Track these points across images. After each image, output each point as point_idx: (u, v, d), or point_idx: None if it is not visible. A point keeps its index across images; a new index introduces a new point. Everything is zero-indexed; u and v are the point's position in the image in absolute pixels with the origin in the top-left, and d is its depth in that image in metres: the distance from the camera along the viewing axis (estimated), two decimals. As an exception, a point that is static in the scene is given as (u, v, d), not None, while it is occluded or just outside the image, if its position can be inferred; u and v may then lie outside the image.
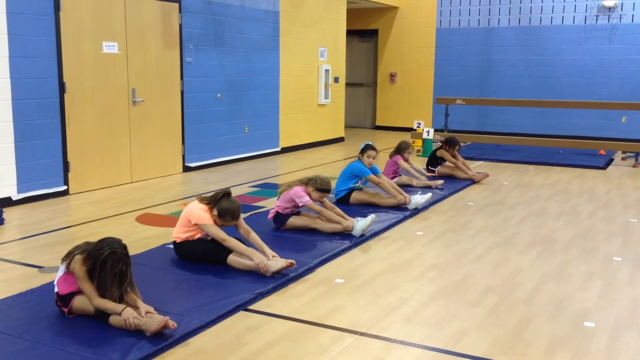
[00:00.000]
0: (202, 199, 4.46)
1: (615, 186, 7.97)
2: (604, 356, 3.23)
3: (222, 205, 4.36)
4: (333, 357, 3.18)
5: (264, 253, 4.37)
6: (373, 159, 6.46)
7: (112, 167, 7.48)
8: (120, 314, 3.29)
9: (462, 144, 11.28)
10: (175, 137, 8.40)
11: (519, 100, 12.16)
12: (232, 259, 4.34)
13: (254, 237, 4.50)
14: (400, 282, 4.29)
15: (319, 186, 5.35)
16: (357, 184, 6.47)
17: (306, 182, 5.39)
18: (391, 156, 7.50)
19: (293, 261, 4.31)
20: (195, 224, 4.40)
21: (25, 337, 3.25)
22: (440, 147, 8.28)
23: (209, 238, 4.46)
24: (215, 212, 4.38)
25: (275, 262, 4.26)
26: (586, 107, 11.51)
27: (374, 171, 6.52)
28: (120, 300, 3.39)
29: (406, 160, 7.47)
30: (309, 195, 5.33)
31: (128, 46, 7.53)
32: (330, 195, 6.52)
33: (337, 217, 5.35)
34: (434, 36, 13.70)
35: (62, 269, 3.48)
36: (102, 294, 3.36)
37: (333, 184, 7.02)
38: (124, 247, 3.41)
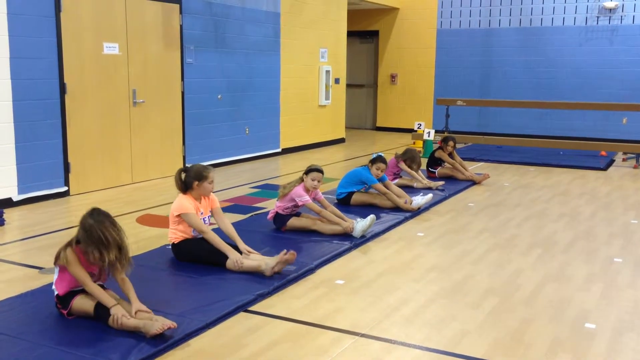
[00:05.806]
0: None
1: (616, 187, 7.96)
2: (605, 358, 3.23)
3: (191, 171, 4.41)
4: (333, 358, 3.17)
5: (237, 247, 4.37)
6: (382, 171, 6.45)
7: (112, 168, 7.48)
8: (110, 309, 3.30)
9: (463, 145, 11.31)
10: (176, 138, 8.40)
11: (519, 101, 12.14)
12: (230, 264, 4.32)
13: (227, 225, 4.51)
14: (401, 283, 4.29)
15: (308, 168, 5.34)
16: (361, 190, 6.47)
17: (301, 178, 5.39)
18: (397, 159, 7.43)
19: (293, 252, 4.26)
20: (179, 216, 4.40)
21: (25, 339, 3.25)
22: (438, 148, 8.26)
23: (200, 236, 4.44)
24: (189, 181, 4.40)
25: (263, 261, 4.24)
26: (587, 109, 11.50)
27: (382, 179, 6.49)
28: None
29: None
30: (305, 185, 5.33)
31: (129, 47, 7.54)
32: (330, 196, 6.52)
33: (336, 219, 5.33)
34: (435, 37, 13.70)
35: (56, 271, 3.48)
36: (102, 266, 3.40)
37: (335, 184, 7.02)
38: (107, 214, 3.53)
